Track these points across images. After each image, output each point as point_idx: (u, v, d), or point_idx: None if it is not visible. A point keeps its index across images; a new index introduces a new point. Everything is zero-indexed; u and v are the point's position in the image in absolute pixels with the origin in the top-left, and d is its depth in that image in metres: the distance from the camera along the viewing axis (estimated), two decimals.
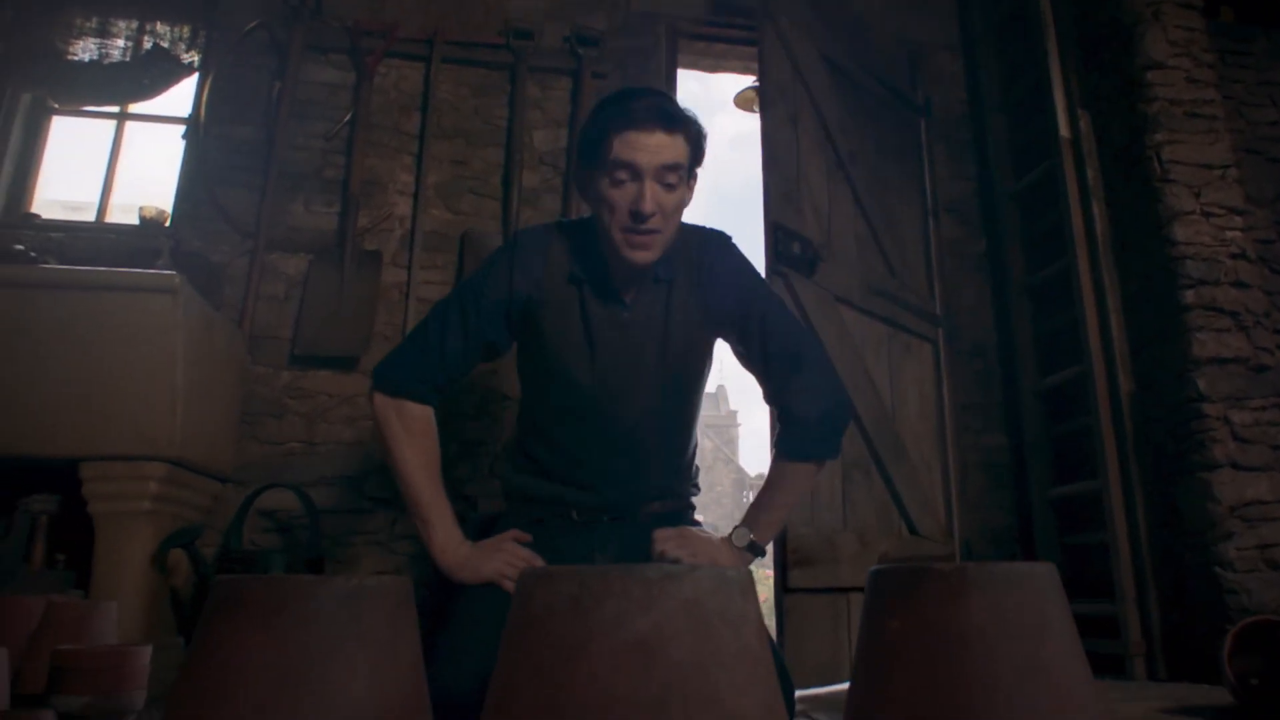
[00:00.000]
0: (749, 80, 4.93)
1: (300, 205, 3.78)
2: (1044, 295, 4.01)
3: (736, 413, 52.57)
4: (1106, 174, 3.71)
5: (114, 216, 4.00)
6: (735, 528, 2.04)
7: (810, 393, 2.04)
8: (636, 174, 1.88)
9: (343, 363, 3.59)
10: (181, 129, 3.86)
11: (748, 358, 2.12)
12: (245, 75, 3.89)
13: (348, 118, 3.87)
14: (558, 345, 2.06)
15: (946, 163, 4.40)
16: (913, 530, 3.57)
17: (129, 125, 4.17)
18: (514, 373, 2.27)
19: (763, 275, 2.28)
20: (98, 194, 4.08)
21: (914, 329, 3.92)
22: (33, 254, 3.24)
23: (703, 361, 2.17)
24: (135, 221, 3.67)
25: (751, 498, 2.19)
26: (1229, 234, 3.36)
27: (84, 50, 3.84)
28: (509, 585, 1.87)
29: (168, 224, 3.67)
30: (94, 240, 3.62)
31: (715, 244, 2.12)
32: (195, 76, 3.93)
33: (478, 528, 2.37)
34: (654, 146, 1.87)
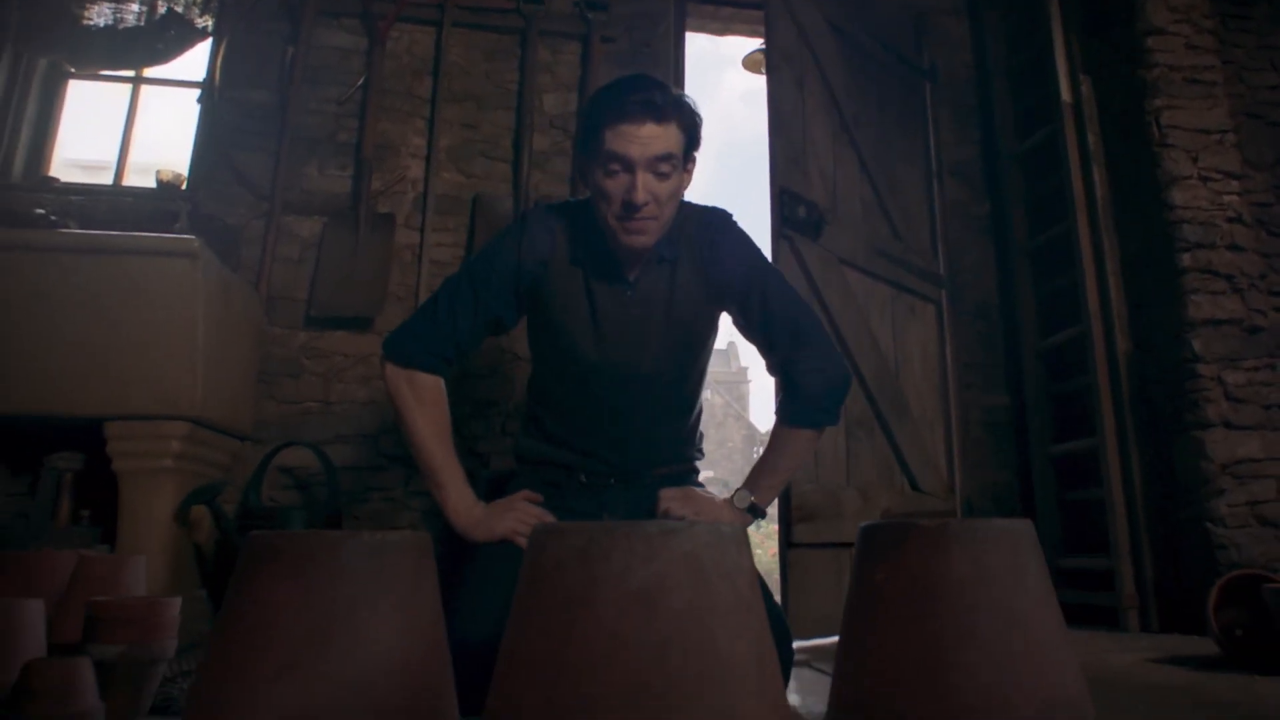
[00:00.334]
0: (757, 43, 4.94)
1: (314, 169, 3.83)
2: (1046, 257, 4.05)
3: (747, 369, 52.32)
4: (1107, 138, 3.74)
5: (131, 176, 4.05)
6: (737, 490, 2.12)
7: (811, 364, 2.10)
8: (629, 166, 1.93)
9: (357, 323, 3.65)
10: (196, 93, 3.90)
11: (749, 330, 2.18)
12: (258, 40, 3.92)
13: (360, 82, 3.90)
14: (564, 322, 2.13)
15: (951, 126, 4.42)
16: (915, 487, 3.64)
17: (144, 88, 4.21)
18: (525, 332, 2.33)
19: (766, 244, 2.33)
20: (114, 156, 4.14)
21: (918, 290, 3.98)
22: (53, 218, 3.30)
23: (706, 335, 2.24)
24: (152, 183, 3.72)
25: (762, 453, 2.26)
26: (1226, 198, 3.40)
27: (99, 15, 3.87)
28: (521, 541, 1.95)
29: (184, 187, 3.72)
30: (113, 203, 3.67)
31: (716, 222, 2.18)
32: (209, 41, 3.96)
33: (490, 485, 2.46)
34: (645, 138, 1.91)
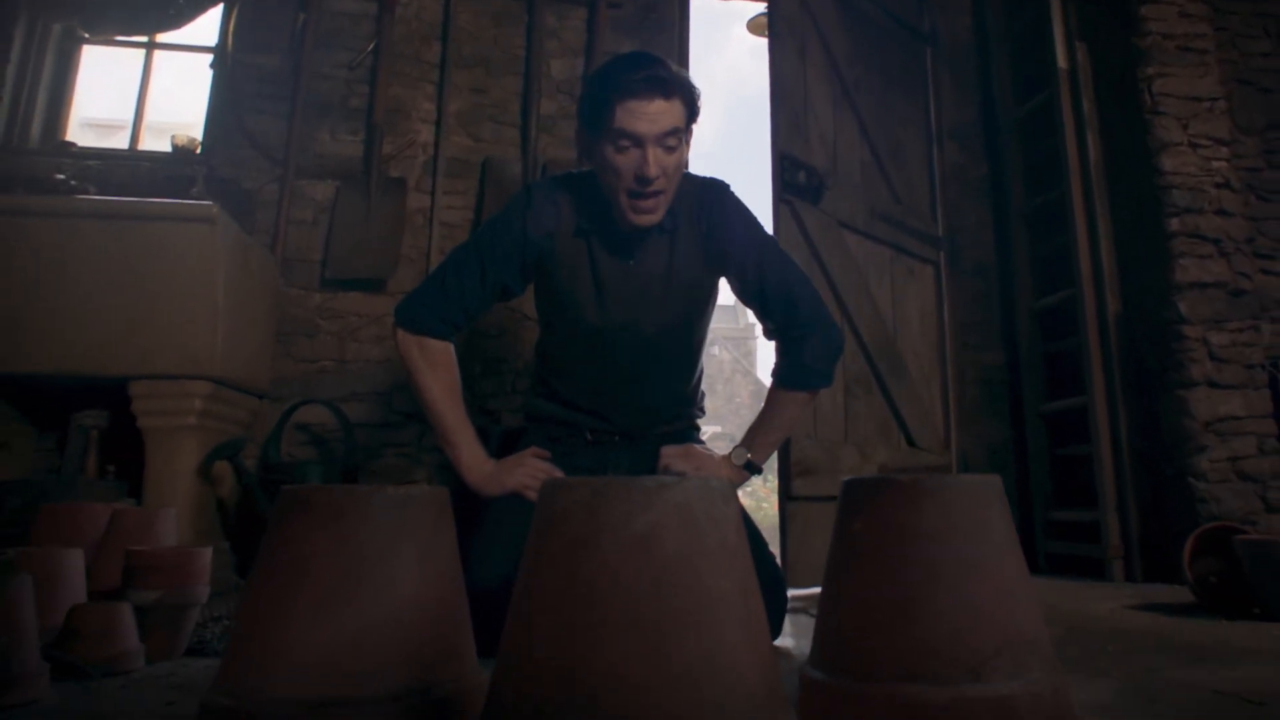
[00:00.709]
0: (761, 6, 4.97)
1: (326, 133, 3.90)
2: (1042, 220, 4.13)
3: (754, 325, 51.73)
4: (1102, 104, 3.80)
5: (145, 138, 4.14)
6: (734, 447, 2.24)
7: (805, 330, 2.21)
8: (639, 141, 2.01)
9: (371, 284, 3.76)
10: (209, 58, 3.98)
11: (746, 297, 2.29)
12: (270, 5, 3.98)
13: (371, 47, 3.96)
14: (570, 291, 2.24)
15: (951, 91, 4.47)
16: (911, 443, 3.75)
17: (158, 51, 4.28)
18: (534, 293, 2.43)
19: (768, 207, 2.42)
20: (128, 115, 4.22)
21: (917, 252, 4.06)
22: (73, 183, 3.39)
23: (705, 301, 2.34)
24: (167, 147, 3.80)
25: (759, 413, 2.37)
26: (1214, 164, 3.47)
27: None
28: (531, 495, 2.06)
29: (198, 151, 3.80)
30: (130, 168, 3.76)
31: (714, 193, 2.27)
32: (221, 6, 4.01)
33: (502, 440, 2.59)
34: (654, 114, 2.00)
